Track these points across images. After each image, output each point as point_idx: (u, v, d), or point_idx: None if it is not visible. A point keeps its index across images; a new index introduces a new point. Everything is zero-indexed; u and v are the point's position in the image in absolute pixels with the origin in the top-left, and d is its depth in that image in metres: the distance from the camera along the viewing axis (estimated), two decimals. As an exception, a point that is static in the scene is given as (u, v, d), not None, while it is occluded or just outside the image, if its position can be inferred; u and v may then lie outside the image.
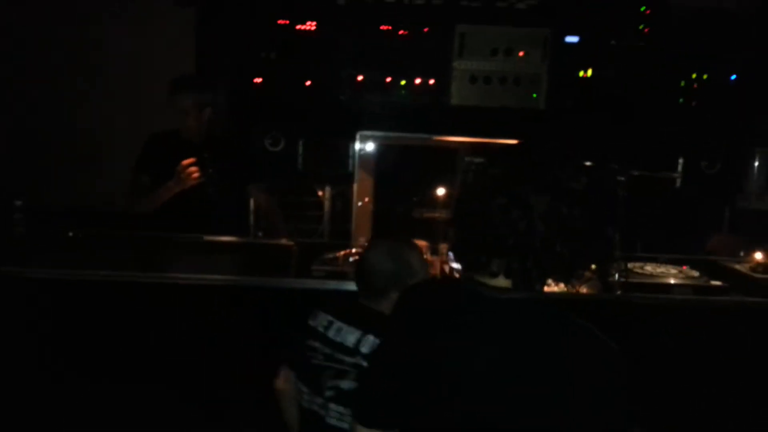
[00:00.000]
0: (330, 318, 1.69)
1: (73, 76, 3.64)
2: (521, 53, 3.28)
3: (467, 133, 3.39)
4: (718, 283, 2.35)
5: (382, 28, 3.30)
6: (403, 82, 3.33)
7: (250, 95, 3.34)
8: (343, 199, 3.57)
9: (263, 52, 3.31)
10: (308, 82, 3.33)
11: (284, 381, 1.79)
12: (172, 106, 2.86)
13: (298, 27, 3.30)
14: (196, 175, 2.73)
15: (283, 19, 3.30)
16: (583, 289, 2.29)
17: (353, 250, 2.64)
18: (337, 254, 2.57)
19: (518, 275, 1.08)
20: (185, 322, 2.18)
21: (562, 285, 2.20)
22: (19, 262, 2.29)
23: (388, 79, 3.33)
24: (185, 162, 2.72)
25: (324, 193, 3.57)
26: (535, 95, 3.30)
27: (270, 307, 2.20)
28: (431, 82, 3.33)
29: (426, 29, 3.30)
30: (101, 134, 3.62)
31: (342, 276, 2.33)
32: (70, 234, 2.65)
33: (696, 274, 2.41)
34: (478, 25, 3.27)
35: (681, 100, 3.29)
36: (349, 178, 3.56)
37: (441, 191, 3.91)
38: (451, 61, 3.28)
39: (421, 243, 3.35)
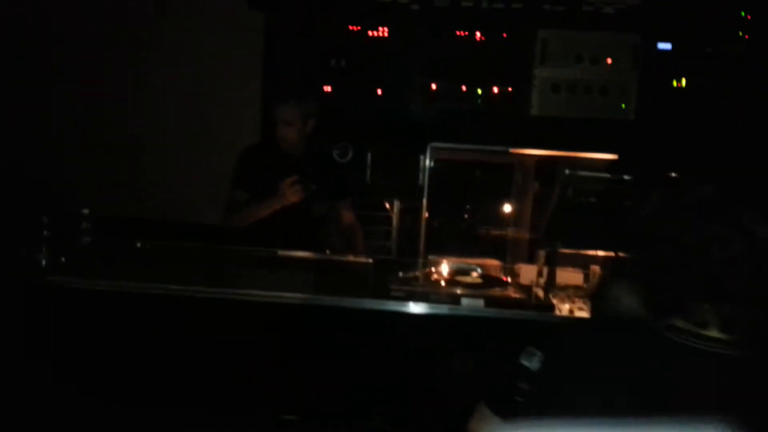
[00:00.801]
0: None
1: (140, 82, 3.58)
2: (609, 60, 3.06)
3: (547, 146, 3.19)
4: None
5: (457, 33, 3.14)
6: (479, 91, 3.15)
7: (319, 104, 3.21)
8: (413, 214, 3.40)
9: (333, 59, 3.19)
10: (379, 91, 3.19)
11: (481, 423, 1.57)
12: (276, 116, 2.74)
13: (370, 33, 3.17)
14: (299, 193, 2.59)
15: (354, 24, 3.17)
16: None
17: (434, 269, 2.46)
18: (416, 273, 2.39)
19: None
20: (255, 341, 2.03)
21: None
22: (85, 273, 2.19)
23: (464, 88, 3.16)
24: (288, 181, 2.58)
25: (393, 208, 3.40)
26: (624, 105, 3.07)
27: (348, 329, 2.04)
28: (509, 90, 3.14)
29: (505, 35, 3.12)
30: (170, 142, 3.54)
31: (423, 297, 2.15)
32: (138, 245, 2.54)
33: None
34: (561, 30, 3.07)
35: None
36: (419, 192, 3.41)
37: (507, 208, 3.73)
38: (531, 68, 3.09)
39: (493, 262, 3.16)
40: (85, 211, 2.49)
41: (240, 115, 3.47)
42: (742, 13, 2.99)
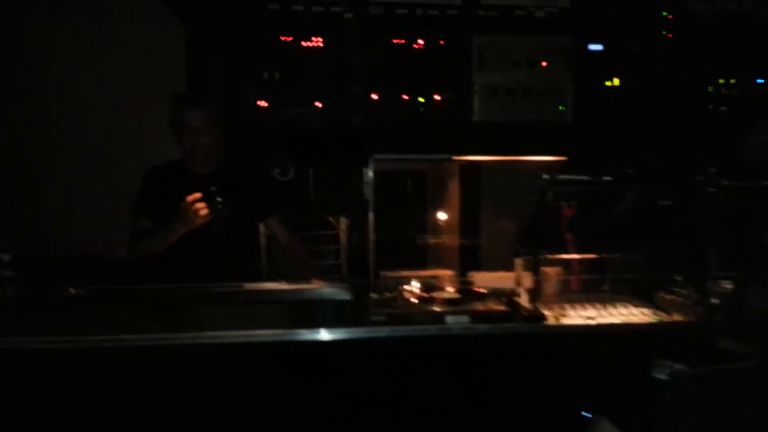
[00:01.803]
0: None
1: (47, 101, 3.21)
2: (544, 63, 3.09)
3: (492, 152, 3.17)
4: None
5: (394, 41, 3.04)
6: (421, 99, 3.07)
7: (253, 120, 3.00)
8: (360, 229, 3.27)
9: (266, 72, 2.99)
10: (318, 104, 3.03)
11: None
12: (177, 125, 2.49)
13: (303, 44, 3.00)
14: (204, 212, 2.36)
15: (285, 35, 3.00)
16: None
17: (408, 287, 2.34)
18: (389, 294, 2.26)
19: None
20: (234, 388, 1.82)
21: None
22: (12, 330, 1.88)
23: (405, 97, 3.07)
24: (190, 198, 2.35)
25: (339, 225, 3.25)
26: (561, 107, 3.10)
27: (335, 361, 1.87)
28: (451, 97, 3.08)
29: (442, 42, 3.06)
30: (90, 170, 3.19)
31: (405, 320, 2.02)
32: (72, 291, 2.23)
33: None
34: (497, 36, 3.06)
35: (710, 106, 3.16)
36: (364, 207, 3.28)
37: (442, 215, 3.69)
38: (471, 74, 3.06)
39: (446, 272, 3.09)
40: (6, 257, 2.16)
41: (162, 138, 3.18)
42: (665, 14, 3.11)
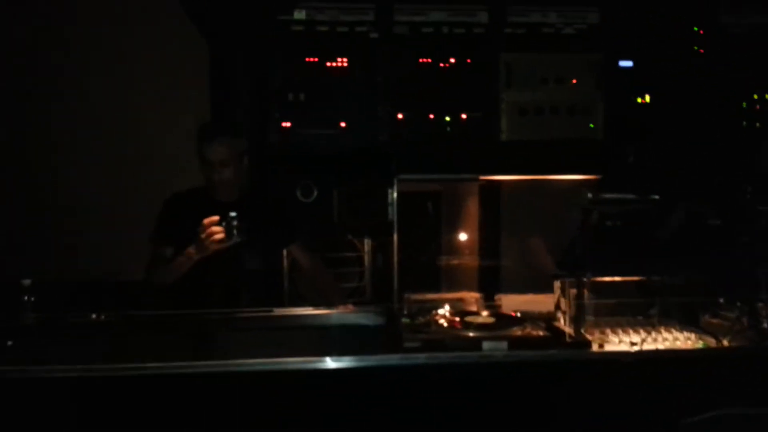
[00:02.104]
0: None
1: (71, 130, 3.19)
2: (573, 81, 3.03)
3: (520, 171, 3.10)
4: None
5: (420, 60, 3.00)
6: (448, 118, 3.01)
7: (278, 141, 2.96)
8: (384, 251, 3.19)
9: (291, 93, 2.96)
10: (343, 124, 2.98)
11: None
12: (204, 156, 2.46)
13: (328, 64, 2.97)
14: (218, 236, 2.26)
15: (311, 56, 2.96)
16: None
17: (441, 312, 2.26)
18: (423, 319, 2.18)
19: None
20: (266, 417, 1.74)
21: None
22: (35, 358, 1.82)
23: (431, 116, 3.01)
24: (207, 220, 2.28)
25: (363, 247, 3.18)
26: (592, 125, 3.03)
27: (370, 390, 1.79)
28: (479, 116, 3.02)
29: (468, 60, 3.01)
30: (112, 194, 3.16)
31: (439, 346, 1.94)
32: (94, 317, 2.18)
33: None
34: (524, 53, 3.01)
35: (744, 122, 3.07)
36: (389, 228, 3.21)
37: (463, 236, 3.61)
38: (498, 92, 3.00)
39: (473, 295, 3.00)
40: (26, 281, 2.11)
41: (186, 160, 3.14)
42: (696, 29, 3.05)
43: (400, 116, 2.99)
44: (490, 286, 3.07)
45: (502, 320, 2.16)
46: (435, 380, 1.85)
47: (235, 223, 2.27)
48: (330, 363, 1.79)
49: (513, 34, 3.01)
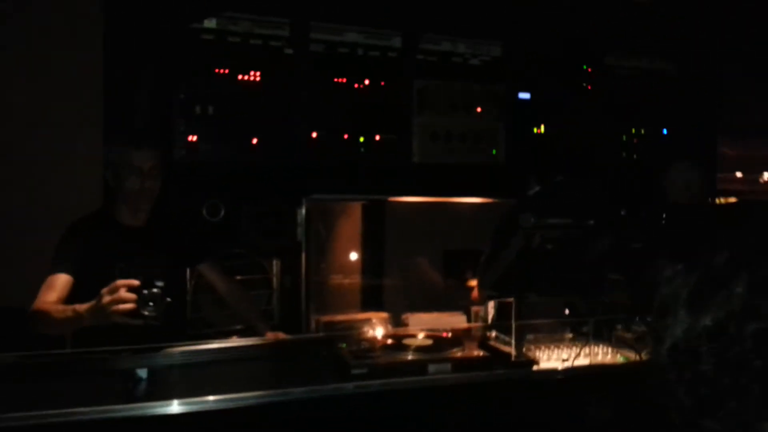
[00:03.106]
0: None
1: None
2: (479, 109, 3.17)
3: (428, 193, 3.17)
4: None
5: (335, 80, 2.97)
6: (361, 139, 3.01)
7: (183, 156, 2.76)
8: (292, 273, 3.09)
9: (198, 105, 2.78)
10: (254, 140, 2.86)
11: None
12: (129, 163, 2.23)
13: (240, 77, 2.84)
14: (127, 307, 1.78)
15: (221, 67, 2.81)
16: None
17: (371, 334, 2.22)
18: (364, 344, 2.12)
19: None
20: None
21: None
22: None
23: (345, 136, 2.99)
24: (121, 283, 1.79)
25: (272, 268, 3.05)
26: (494, 151, 3.19)
27: (323, 420, 1.70)
28: (391, 138, 3.05)
29: (383, 83, 3.04)
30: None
31: (389, 371, 1.90)
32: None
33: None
34: (436, 80, 3.10)
35: (624, 153, 3.41)
36: (298, 249, 3.12)
37: (354, 256, 3.63)
38: (411, 116, 3.05)
39: (381, 315, 3.02)
40: None
41: (77, 180, 2.81)
42: (584, 66, 3.34)
43: (314, 135, 2.94)
44: (395, 305, 3.10)
45: (439, 342, 2.17)
46: (389, 406, 1.81)
47: (156, 296, 1.79)
48: (287, 395, 1.69)
49: (425, 61, 3.09)
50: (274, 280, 3.06)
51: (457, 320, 2.73)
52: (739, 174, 3.64)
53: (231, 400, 1.66)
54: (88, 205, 2.48)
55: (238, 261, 2.94)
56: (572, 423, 1.77)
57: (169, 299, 1.82)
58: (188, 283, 2.79)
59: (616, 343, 2.17)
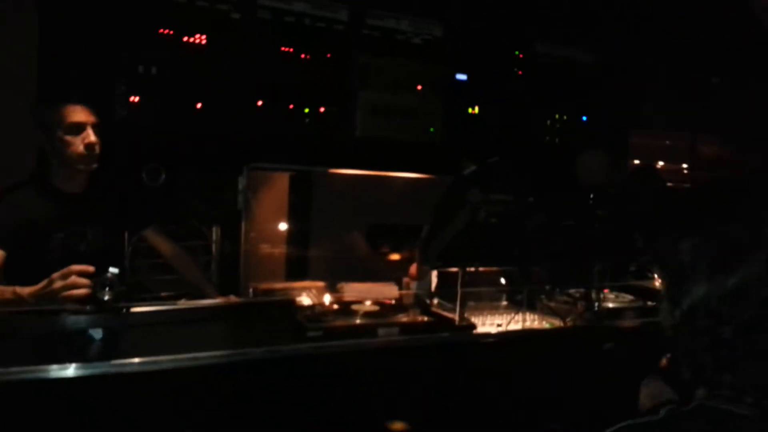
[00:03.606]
0: None
1: None
2: (419, 87, 3.28)
3: (368, 166, 3.27)
4: (653, 303, 2.63)
5: (282, 49, 2.98)
6: (306, 110, 3.04)
7: (124, 117, 2.69)
8: (231, 240, 3.10)
9: (141, 65, 2.71)
10: (198, 105, 2.83)
11: None
12: (66, 121, 2.12)
13: (185, 39, 2.79)
14: (81, 292, 1.75)
15: (166, 28, 2.75)
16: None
17: (323, 300, 2.31)
18: (318, 309, 2.21)
19: None
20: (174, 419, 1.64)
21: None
22: None
23: (291, 106, 3.01)
24: (76, 268, 1.75)
25: (212, 235, 3.05)
26: (432, 129, 3.32)
27: (281, 379, 1.79)
28: (334, 111, 3.10)
29: (329, 55, 3.08)
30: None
31: (342, 334, 2.01)
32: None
33: (630, 297, 2.66)
34: (380, 57, 3.17)
35: (547, 137, 3.64)
36: (238, 217, 3.13)
37: (283, 226, 3.70)
38: (354, 90, 3.12)
39: (317, 284, 3.13)
40: None
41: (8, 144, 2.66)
42: (516, 52, 3.52)
43: (259, 103, 2.94)
44: (331, 275, 3.19)
45: (386, 308, 2.29)
46: (342, 366, 1.92)
47: (113, 281, 1.75)
48: (246, 355, 1.76)
49: (370, 36, 3.16)
50: (214, 246, 3.07)
51: (389, 290, 2.87)
52: (661, 163, 3.98)
53: (192, 359, 1.70)
54: (20, 171, 2.38)
55: (177, 227, 2.92)
56: (505, 379, 1.96)
57: (124, 286, 1.80)
58: (126, 247, 2.76)
59: (545, 311, 2.38)
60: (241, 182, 3.07)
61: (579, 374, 2.03)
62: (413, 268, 2.94)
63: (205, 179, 2.97)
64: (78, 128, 2.13)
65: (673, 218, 0.86)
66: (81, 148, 2.13)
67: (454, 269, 2.15)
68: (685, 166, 4.17)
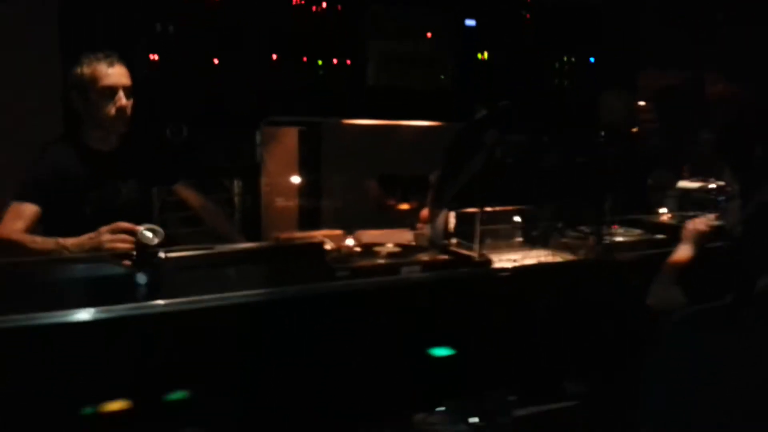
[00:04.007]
0: None
1: None
2: (429, 35, 3.33)
3: (382, 116, 3.34)
4: (661, 236, 2.74)
5: (294, 2, 3.03)
6: (320, 62, 3.11)
7: (144, 75, 2.77)
8: (252, 193, 3.22)
9: (159, 23, 2.78)
10: (216, 60, 2.91)
11: None
12: (102, 83, 2.16)
13: (199, -4, 2.85)
14: (127, 246, 1.86)
15: (181, -15, 2.81)
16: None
17: (347, 244, 2.43)
18: (337, 249, 2.34)
19: None
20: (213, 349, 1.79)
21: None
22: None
23: (305, 59, 3.08)
24: (122, 225, 1.87)
25: (233, 189, 3.17)
26: (442, 77, 3.39)
27: (315, 317, 1.93)
28: (347, 62, 3.18)
29: (339, 7, 3.13)
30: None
31: (368, 272, 2.14)
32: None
33: (639, 231, 2.76)
34: (389, 5, 3.22)
35: (557, 80, 3.69)
36: (257, 170, 3.24)
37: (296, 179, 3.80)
38: (366, 40, 3.18)
39: (336, 232, 3.24)
40: None
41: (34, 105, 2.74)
42: (524, -3, 3.55)
43: (274, 57, 3.01)
44: (344, 224, 3.31)
45: (407, 248, 2.42)
46: (372, 303, 2.05)
47: (150, 241, 1.84)
48: (286, 293, 1.89)
49: (379, -16, 3.20)
50: (236, 199, 3.19)
51: (404, 235, 2.99)
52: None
53: (228, 298, 1.83)
54: (48, 130, 2.46)
55: (201, 182, 3.04)
56: (520, 310, 2.10)
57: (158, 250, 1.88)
58: (155, 202, 2.88)
59: (558, 247, 2.50)
60: (258, 136, 3.16)
61: (589, 305, 2.17)
62: (424, 212, 3.05)
63: (225, 134, 3.07)
64: (111, 91, 2.16)
65: (746, 127, 0.96)
66: (113, 110, 2.17)
67: (472, 210, 2.25)
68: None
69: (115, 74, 2.18)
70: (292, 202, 3.67)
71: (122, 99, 2.19)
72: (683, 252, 2.02)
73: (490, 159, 2.19)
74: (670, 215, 2.84)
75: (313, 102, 3.13)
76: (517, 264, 2.35)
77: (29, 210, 2.07)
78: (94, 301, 1.71)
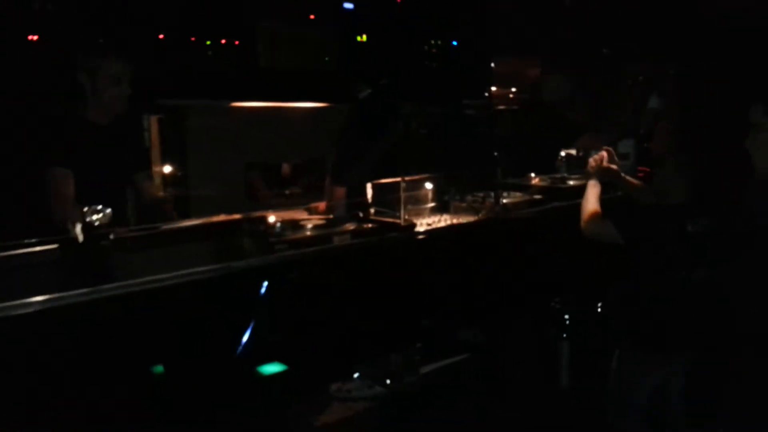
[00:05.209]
0: None
1: None
2: (312, 16, 3.41)
3: (272, 98, 3.37)
4: (538, 197, 3.10)
5: (180, -18, 2.94)
6: (208, 42, 3.06)
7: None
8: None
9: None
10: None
11: None
12: (107, 71, 2.37)
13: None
14: None
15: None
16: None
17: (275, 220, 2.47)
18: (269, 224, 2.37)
19: None
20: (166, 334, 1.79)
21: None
22: None
23: (192, 39, 3.01)
24: None
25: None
26: (327, 59, 3.48)
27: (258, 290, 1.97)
28: (236, 43, 3.15)
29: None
30: None
31: (304, 244, 2.22)
32: None
33: (519, 194, 3.11)
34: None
35: (427, 62, 3.96)
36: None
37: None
38: (255, 21, 3.17)
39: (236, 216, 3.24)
40: None
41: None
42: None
43: (161, 37, 2.91)
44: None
45: (330, 220, 2.52)
46: (309, 272, 2.14)
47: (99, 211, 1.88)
48: (233, 267, 1.92)
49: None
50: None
51: (302, 214, 3.07)
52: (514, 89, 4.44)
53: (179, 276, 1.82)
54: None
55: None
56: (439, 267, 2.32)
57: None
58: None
59: (461, 210, 2.75)
60: (147, 120, 3.05)
61: (497, 256, 2.45)
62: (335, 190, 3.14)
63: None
64: (117, 79, 2.39)
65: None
66: (117, 95, 2.40)
67: (392, 180, 2.42)
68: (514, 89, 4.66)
69: (121, 65, 2.39)
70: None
71: (121, 87, 2.40)
72: (594, 186, 2.38)
73: (407, 130, 2.37)
74: (538, 179, 3.25)
75: (202, 84, 3.07)
76: (433, 227, 2.56)
77: (62, 173, 2.30)
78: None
